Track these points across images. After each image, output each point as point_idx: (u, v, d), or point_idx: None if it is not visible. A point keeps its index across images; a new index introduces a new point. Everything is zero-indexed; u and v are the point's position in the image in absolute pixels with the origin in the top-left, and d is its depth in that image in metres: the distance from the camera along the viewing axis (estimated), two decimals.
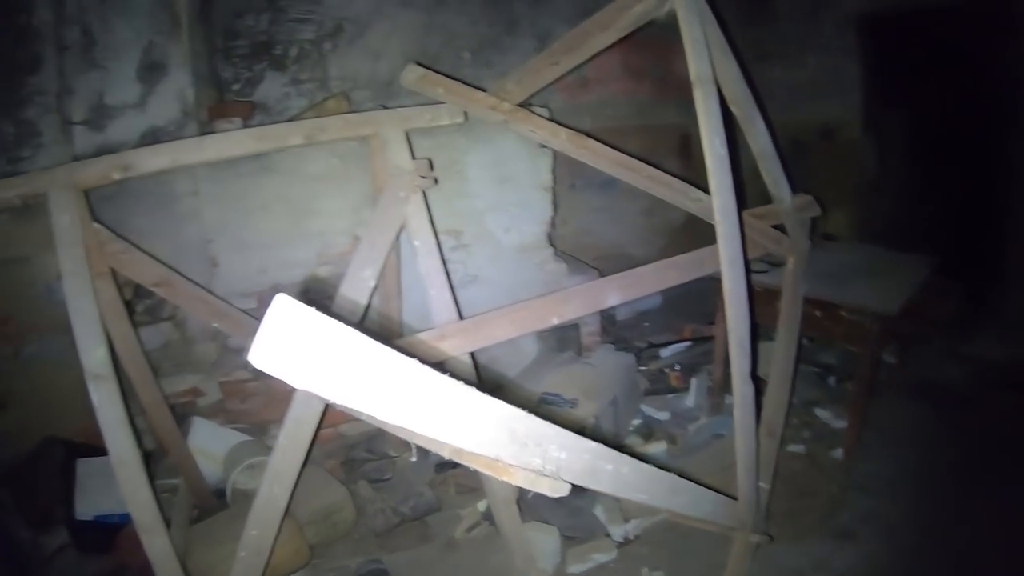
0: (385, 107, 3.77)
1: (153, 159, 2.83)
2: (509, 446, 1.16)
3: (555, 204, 4.14)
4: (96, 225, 2.89)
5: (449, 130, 3.41)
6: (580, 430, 3.34)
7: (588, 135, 3.21)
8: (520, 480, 1.27)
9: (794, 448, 3.67)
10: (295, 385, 0.87)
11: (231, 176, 3.48)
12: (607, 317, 5.07)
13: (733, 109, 2.77)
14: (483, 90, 3.24)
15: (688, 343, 4.51)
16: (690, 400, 4.01)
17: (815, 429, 3.86)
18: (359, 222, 3.61)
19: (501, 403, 1.12)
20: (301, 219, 3.66)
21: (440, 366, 1.01)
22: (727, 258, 2.32)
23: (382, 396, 0.94)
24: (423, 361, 0.99)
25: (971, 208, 5.33)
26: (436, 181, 3.08)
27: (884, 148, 5.36)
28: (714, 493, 2.32)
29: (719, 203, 2.31)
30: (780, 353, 3.18)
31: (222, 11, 4.08)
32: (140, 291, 3.53)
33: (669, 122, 5.57)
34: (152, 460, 3.61)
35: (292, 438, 2.55)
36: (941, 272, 3.89)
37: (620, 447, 3.28)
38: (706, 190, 2.50)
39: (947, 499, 3.30)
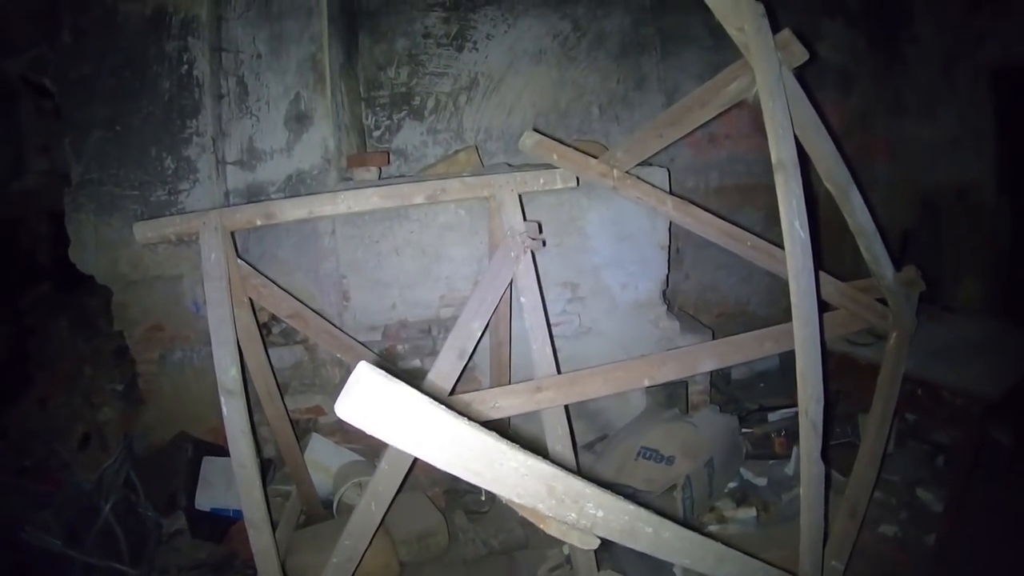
0: (510, 165, 4.14)
1: (292, 210, 3.29)
2: (547, 500, 1.34)
3: (670, 262, 4.27)
4: (239, 261, 3.40)
5: (571, 189, 3.68)
6: (670, 488, 3.55)
7: (693, 202, 3.41)
8: (553, 530, 1.50)
9: (887, 528, 3.61)
10: (370, 433, 1.11)
11: (367, 220, 3.90)
12: (722, 376, 5.16)
13: (828, 186, 2.95)
14: (595, 151, 3.53)
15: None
16: (790, 468, 4.01)
17: (914, 510, 3.75)
18: (481, 270, 3.90)
19: (544, 463, 1.31)
20: (430, 264, 4.01)
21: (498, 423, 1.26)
22: (802, 339, 2.46)
23: (436, 448, 1.17)
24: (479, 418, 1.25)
25: None
26: (544, 243, 3.38)
27: (1019, 212, 5.15)
28: (769, 567, 2.40)
29: (795, 287, 2.44)
30: (871, 432, 3.24)
31: (366, 64, 4.60)
32: (277, 316, 4.05)
33: None
34: (272, 467, 4.13)
35: (393, 463, 2.87)
36: None
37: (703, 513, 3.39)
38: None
39: None
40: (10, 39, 4.24)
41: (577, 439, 4.16)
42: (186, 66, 3.99)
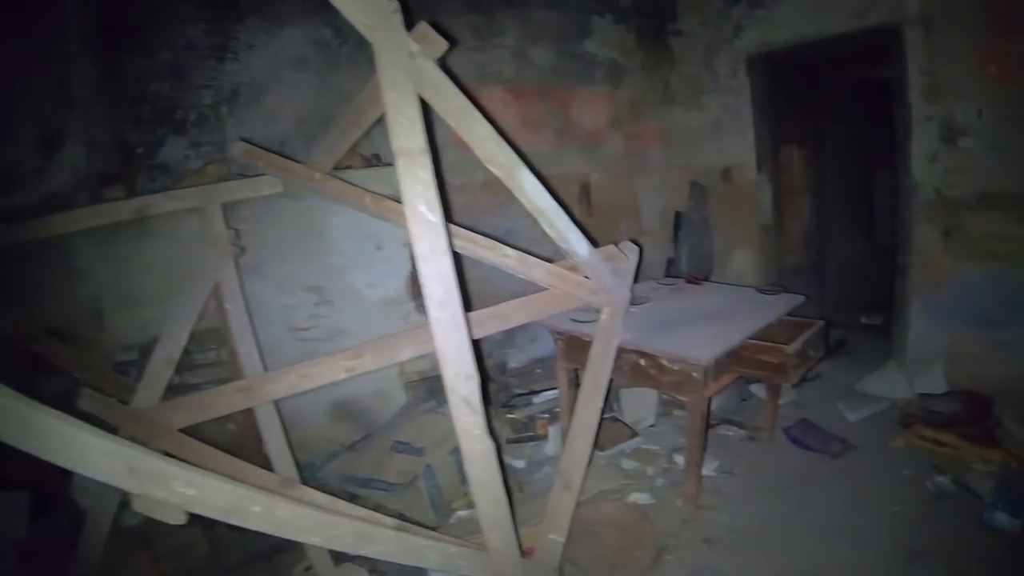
0: (244, 175, 4.06)
1: (15, 235, 3.36)
2: (129, 479, 1.47)
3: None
4: None
5: (311, 193, 3.73)
6: (413, 479, 3.61)
7: (391, 197, 3.44)
8: (138, 506, 1.60)
9: (638, 496, 3.67)
10: None
11: (116, 238, 3.80)
12: (497, 365, 5.26)
13: (493, 169, 2.84)
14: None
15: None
16: (549, 448, 4.08)
17: (670, 476, 3.85)
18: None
19: (124, 444, 1.45)
20: (179, 279, 3.82)
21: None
22: (437, 320, 2.42)
23: (33, 439, 1.34)
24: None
25: (864, 247, 5.38)
26: (244, 250, 3.44)
27: (778, 187, 5.42)
28: (445, 545, 2.45)
29: (426, 270, 2.40)
30: (582, 405, 3.23)
31: (128, 78, 4.54)
32: None
33: (569, 171, 5.76)
34: None
35: None
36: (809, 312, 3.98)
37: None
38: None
39: (796, 557, 3.16)
40: None
41: (343, 439, 4.24)
42: None
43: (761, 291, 4.17)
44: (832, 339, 5.35)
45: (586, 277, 3.41)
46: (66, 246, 3.93)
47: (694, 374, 3.32)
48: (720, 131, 5.61)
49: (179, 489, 1.57)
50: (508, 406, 4.52)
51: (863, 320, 5.97)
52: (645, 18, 5.91)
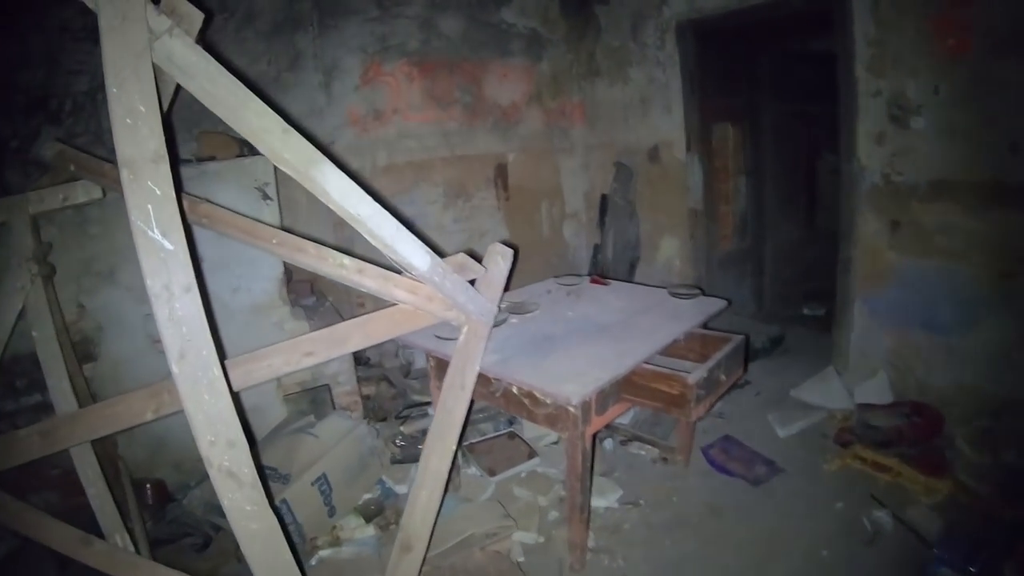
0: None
1: None
2: None
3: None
4: None
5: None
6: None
7: (202, 198, 3.00)
8: None
9: (523, 536, 3.18)
10: None
11: None
12: (401, 367, 4.88)
13: (284, 169, 2.26)
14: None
15: None
16: None
17: (566, 511, 3.20)
18: (81, 291, 3.56)
19: None
20: None
21: None
22: (180, 376, 1.94)
23: None
24: None
25: (806, 232, 4.86)
26: (54, 269, 3.04)
27: (709, 168, 4.89)
28: None
29: (162, 313, 1.91)
30: (428, 449, 2.71)
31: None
32: None
33: (482, 151, 5.26)
34: None
35: None
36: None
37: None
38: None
39: None
40: None
41: None
42: None
43: (674, 294, 3.64)
44: (768, 335, 4.87)
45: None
46: None
47: (570, 409, 2.78)
48: (647, 107, 5.07)
49: None
50: (402, 417, 4.12)
51: (805, 311, 5.48)
52: None
